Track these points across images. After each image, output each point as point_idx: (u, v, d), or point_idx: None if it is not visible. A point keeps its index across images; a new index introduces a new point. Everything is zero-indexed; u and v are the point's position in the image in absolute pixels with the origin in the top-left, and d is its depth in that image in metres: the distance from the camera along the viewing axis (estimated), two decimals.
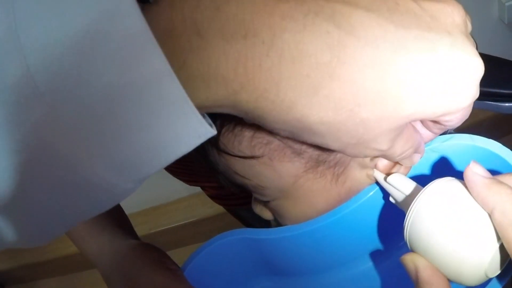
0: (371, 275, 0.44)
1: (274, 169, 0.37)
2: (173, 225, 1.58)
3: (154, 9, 0.23)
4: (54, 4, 0.21)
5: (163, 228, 1.54)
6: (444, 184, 0.31)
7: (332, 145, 0.28)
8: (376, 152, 0.29)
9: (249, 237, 0.42)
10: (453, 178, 0.32)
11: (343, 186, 0.39)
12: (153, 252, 0.47)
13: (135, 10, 0.21)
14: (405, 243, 0.33)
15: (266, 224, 0.46)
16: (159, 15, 0.23)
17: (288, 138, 0.34)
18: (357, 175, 0.39)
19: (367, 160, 0.37)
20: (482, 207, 0.29)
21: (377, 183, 0.38)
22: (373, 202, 0.40)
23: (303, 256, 0.43)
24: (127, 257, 0.48)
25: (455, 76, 0.26)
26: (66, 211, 0.25)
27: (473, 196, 0.30)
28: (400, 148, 0.30)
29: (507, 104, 0.58)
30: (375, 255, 0.44)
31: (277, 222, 0.46)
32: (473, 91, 0.27)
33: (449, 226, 0.30)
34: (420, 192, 0.32)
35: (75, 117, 0.22)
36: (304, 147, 0.36)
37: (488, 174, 0.30)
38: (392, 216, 0.41)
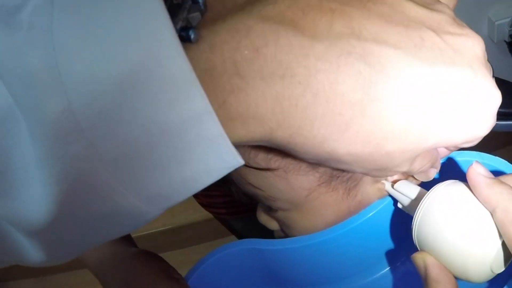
0: (378, 286, 0.45)
1: (288, 182, 0.37)
2: (152, 231, 1.56)
3: (194, 49, 0.23)
4: (97, 41, 0.21)
5: (142, 234, 1.52)
6: (448, 186, 0.33)
7: (356, 170, 0.29)
8: (397, 173, 0.30)
9: (256, 248, 0.42)
10: (457, 181, 0.33)
11: (353, 199, 0.39)
12: (157, 261, 0.47)
13: (179, 50, 0.21)
14: (413, 247, 0.34)
15: (258, 234, 0.45)
16: (200, 55, 0.23)
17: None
18: (368, 189, 0.39)
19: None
20: (485, 206, 0.31)
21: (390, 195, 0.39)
22: (381, 216, 0.41)
23: (308, 267, 0.43)
24: (130, 266, 0.47)
25: (476, 108, 0.28)
26: (95, 235, 0.26)
27: (475, 196, 0.31)
28: (418, 165, 0.31)
29: (502, 122, 0.60)
30: (379, 268, 0.44)
31: (282, 233, 0.46)
32: (492, 121, 0.29)
33: (453, 224, 0.31)
34: (426, 195, 0.33)
35: (114, 152, 0.22)
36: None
37: (490, 175, 0.31)
38: (398, 230, 0.42)
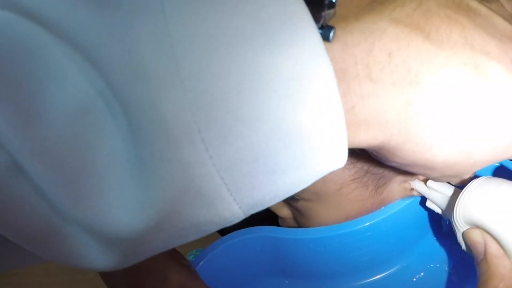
0: (385, 284, 0.44)
1: None
2: None
3: (328, 48, 0.21)
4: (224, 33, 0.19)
5: None
6: (488, 178, 0.33)
7: (432, 175, 0.29)
8: (462, 179, 0.31)
9: (271, 236, 0.40)
10: (492, 176, 0.34)
11: (379, 197, 0.39)
12: None
13: (321, 50, 0.20)
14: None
15: (260, 224, 0.43)
16: (332, 55, 0.22)
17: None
18: (395, 187, 0.39)
19: (413, 175, 0.38)
20: None
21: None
22: (402, 215, 0.40)
23: (321, 260, 0.42)
24: None
25: None
26: (179, 241, 0.24)
27: None
28: (475, 173, 0.32)
29: None
30: (391, 265, 0.43)
31: (292, 222, 0.44)
32: None
33: (501, 204, 0.32)
34: (472, 181, 0.33)
35: (232, 157, 0.20)
36: (359, 157, 0.36)
37: None
38: (414, 231, 0.42)
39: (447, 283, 0.43)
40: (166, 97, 0.19)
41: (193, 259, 0.42)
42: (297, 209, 0.42)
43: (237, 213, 0.22)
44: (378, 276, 0.44)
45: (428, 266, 0.43)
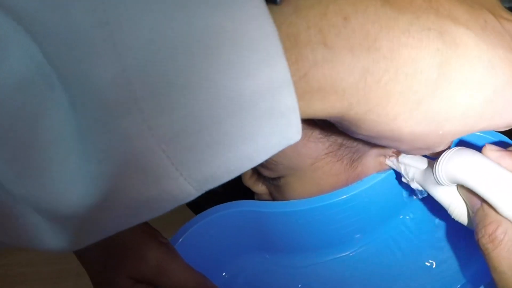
0: (365, 256, 0.43)
1: (295, 148, 0.36)
2: None
3: (277, 12, 0.20)
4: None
5: None
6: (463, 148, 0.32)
7: (401, 148, 0.29)
8: (432, 152, 0.30)
9: (252, 210, 0.40)
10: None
11: (354, 171, 0.38)
12: (143, 224, 0.42)
13: (263, 10, 0.18)
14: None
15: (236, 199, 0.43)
16: (283, 19, 0.21)
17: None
18: (370, 162, 0.39)
19: (388, 149, 0.38)
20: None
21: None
22: (383, 185, 0.40)
23: (302, 233, 0.42)
24: None
25: None
26: (128, 220, 0.22)
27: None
28: (448, 145, 0.31)
29: None
30: (374, 237, 0.43)
31: (268, 198, 0.44)
32: None
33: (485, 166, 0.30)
34: (446, 151, 0.32)
35: (173, 128, 0.19)
36: (332, 130, 0.35)
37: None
38: (389, 205, 0.42)
39: (428, 253, 0.43)
40: (99, 64, 0.18)
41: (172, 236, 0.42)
42: (273, 185, 0.41)
43: (188, 190, 0.21)
44: (360, 248, 0.44)
45: (410, 236, 0.43)
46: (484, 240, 0.29)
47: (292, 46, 0.21)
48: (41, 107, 0.19)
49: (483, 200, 0.30)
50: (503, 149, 0.31)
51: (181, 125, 0.19)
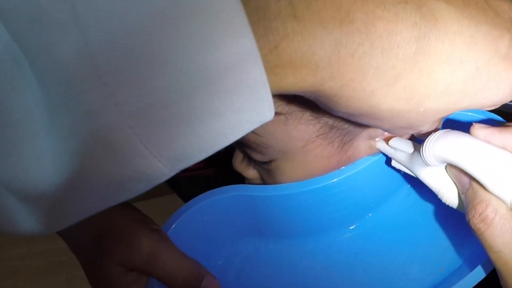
0: (360, 239, 0.43)
1: (286, 130, 0.35)
2: None
3: None
4: None
5: None
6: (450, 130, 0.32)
7: (383, 127, 0.28)
8: (417, 131, 0.30)
9: (242, 194, 0.39)
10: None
11: (345, 155, 0.38)
12: (132, 210, 0.41)
13: None
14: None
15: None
16: None
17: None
18: (361, 145, 0.38)
19: (379, 131, 0.37)
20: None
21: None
22: (377, 167, 0.39)
23: (296, 217, 0.41)
24: (102, 218, 0.39)
25: (510, 72, 0.27)
26: (102, 200, 0.22)
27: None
28: (435, 125, 0.30)
29: None
30: (368, 219, 0.43)
31: (260, 183, 0.43)
32: None
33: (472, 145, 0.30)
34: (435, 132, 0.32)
35: (139, 103, 0.18)
36: (323, 112, 0.34)
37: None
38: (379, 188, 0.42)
39: (423, 235, 0.42)
40: (62, 38, 0.17)
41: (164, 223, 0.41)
42: (264, 169, 0.40)
43: (160, 169, 0.20)
44: (354, 231, 0.43)
45: (404, 218, 0.43)
46: (475, 220, 0.29)
47: (260, 19, 0.20)
48: (10, 86, 0.18)
49: (472, 179, 0.30)
50: (491, 126, 0.31)
51: (147, 100, 0.18)
